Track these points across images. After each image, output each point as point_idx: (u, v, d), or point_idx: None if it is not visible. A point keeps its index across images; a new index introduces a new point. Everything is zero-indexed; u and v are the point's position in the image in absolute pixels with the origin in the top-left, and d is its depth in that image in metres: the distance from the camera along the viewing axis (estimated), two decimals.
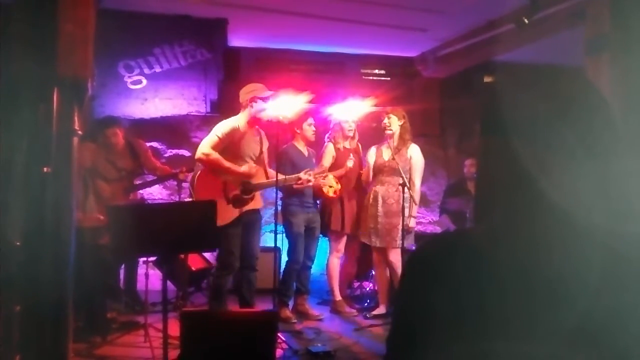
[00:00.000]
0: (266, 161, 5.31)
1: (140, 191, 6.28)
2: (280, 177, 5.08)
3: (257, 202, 5.12)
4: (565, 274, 0.89)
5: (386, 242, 5.73)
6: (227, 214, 4.92)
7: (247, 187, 5.01)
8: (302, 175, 5.29)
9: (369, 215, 5.81)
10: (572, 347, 0.86)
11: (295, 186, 5.51)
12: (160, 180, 6.08)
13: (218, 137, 4.98)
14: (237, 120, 5.09)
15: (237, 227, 5.00)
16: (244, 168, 5.00)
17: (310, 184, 5.42)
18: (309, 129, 5.86)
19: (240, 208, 5.00)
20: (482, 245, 0.95)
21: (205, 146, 4.97)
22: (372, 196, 5.82)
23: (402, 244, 5.48)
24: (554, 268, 0.89)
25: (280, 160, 5.53)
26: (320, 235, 6.05)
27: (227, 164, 4.96)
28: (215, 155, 4.94)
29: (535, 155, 0.90)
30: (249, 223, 5.11)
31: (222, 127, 5.02)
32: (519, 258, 0.91)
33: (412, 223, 5.73)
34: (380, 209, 5.73)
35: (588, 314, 0.86)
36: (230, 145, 5.00)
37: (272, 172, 5.29)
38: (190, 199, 5.57)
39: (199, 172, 5.12)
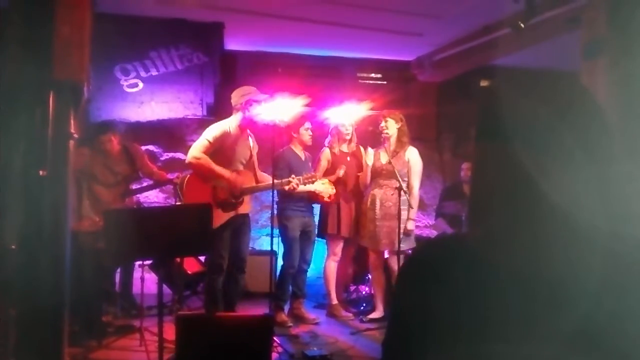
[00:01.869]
0: (256, 165, 5.28)
1: (136, 195, 6.27)
2: (275, 180, 5.07)
3: (246, 207, 5.09)
4: (566, 278, 0.89)
5: (384, 246, 5.73)
6: (216, 218, 4.89)
7: (236, 192, 4.99)
8: (291, 179, 5.25)
9: (368, 219, 5.80)
10: (572, 351, 0.86)
11: (288, 189, 5.51)
12: (156, 185, 6.08)
13: (208, 140, 4.94)
14: (228, 124, 5.06)
15: (226, 231, 4.96)
16: (230, 175, 4.96)
17: (299, 188, 5.36)
18: (305, 133, 5.86)
19: (230, 212, 4.98)
20: (481, 249, 0.95)
21: (196, 150, 4.94)
22: (369, 200, 5.81)
23: (399, 247, 5.47)
24: (554, 271, 0.89)
25: (277, 163, 5.51)
26: (318, 239, 6.05)
27: (216, 168, 4.91)
28: (205, 159, 4.92)
29: (534, 159, 0.90)
30: (237, 226, 5.07)
31: (213, 131, 4.99)
32: (519, 261, 0.91)
33: (410, 226, 5.72)
34: (378, 212, 5.72)
35: (589, 317, 0.86)
36: (220, 149, 4.97)
37: (263, 175, 5.28)
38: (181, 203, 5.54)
39: (188, 176, 5.09)
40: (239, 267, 5.11)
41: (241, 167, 5.07)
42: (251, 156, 5.17)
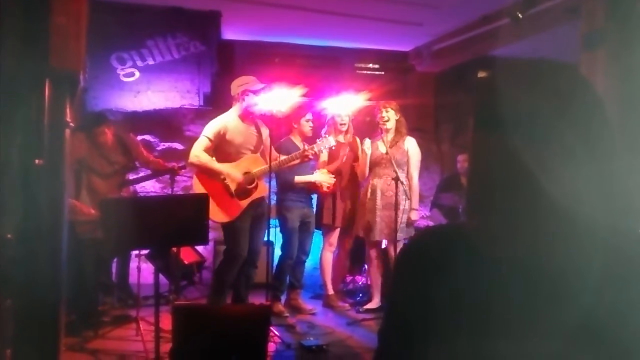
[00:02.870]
0: (270, 148, 5.25)
1: (134, 185, 6.25)
2: (282, 156, 5.09)
3: (262, 190, 5.09)
4: (567, 272, 0.88)
5: (385, 235, 5.70)
6: (233, 209, 4.91)
7: (249, 177, 4.99)
8: (307, 149, 5.26)
9: (367, 209, 5.77)
10: (575, 345, 0.85)
11: (297, 180, 5.53)
12: (154, 175, 6.07)
13: (208, 138, 4.96)
14: (227, 117, 5.06)
15: (245, 221, 4.99)
16: (229, 171, 4.95)
17: (316, 149, 5.32)
18: (306, 125, 5.84)
19: (247, 199, 4.98)
20: (481, 240, 0.94)
21: (197, 149, 4.96)
22: (370, 190, 5.79)
23: (396, 237, 5.48)
24: (555, 265, 0.89)
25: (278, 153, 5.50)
26: (315, 230, 6.05)
27: (215, 166, 4.93)
28: (205, 158, 4.93)
29: (533, 151, 0.89)
30: (256, 216, 5.09)
31: (211, 128, 5.00)
32: (519, 255, 0.90)
33: (414, 216, 5.72)
34: (379, 202, 5.70)
35: (590, 311, 0.86)
36: (223, 143, 4.98)
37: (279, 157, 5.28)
38: (183, 193, 5.53)
39: (195, 176, 5.09)
40: (251, 261, 5.12)
41: (249, 154, 5.07)
42: (260, 142, 5.15)
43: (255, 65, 7.56)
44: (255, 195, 5.03)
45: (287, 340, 4.82)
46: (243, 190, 4.97)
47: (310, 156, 5.29)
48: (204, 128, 5.09)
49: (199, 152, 4.94)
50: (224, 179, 4.94)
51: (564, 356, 0.86)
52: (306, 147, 5.32)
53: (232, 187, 4.94)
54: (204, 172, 4.99)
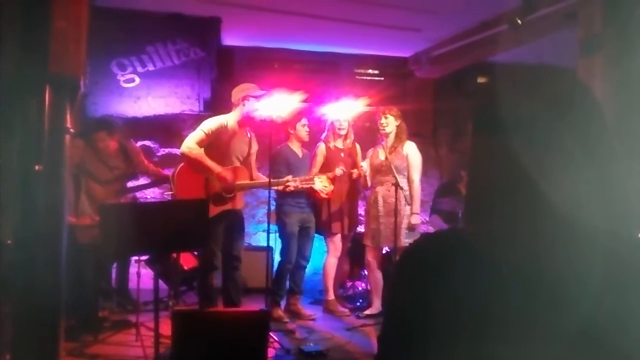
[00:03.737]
0: (254, 164, 5.28)
1: (134, 192, 6.25)
2: (271, 180, 5.08)
3: (237, 203, 5.08)
4: (567, 277, 0.88)
5: (389, 242, 5.68)
6: None
7: (229, 186, 4.98)
8: (289, 179, 5.25)
9: (372, 216, 5.77)
10: (575, 350, 0.85)
11: (282, 189, 5.53)
12: (155, 184, 6.08)
13: (204, 132, 4.95)
14: (226, 118, 5.06)
15: (217, 225, 4.95)
16: (221, 171, 4.94)
17: (296, 185, 5.34)
18: (302, 130, 5.84)
19: (221, 206, 4.96)
20: (480, 246, 0.94)
21: (190, 141, 4.94)
22: (372, 197, 5.80)
23: (395, 243, 5.47)
24: (555, 271, 0.89)
25: (275, 160, 5.50)
26: (317, 235, 6.03)
27: (207, 161, 4.92)
28: (198, 150, 4.92)
29: (532, 157, 0.90)
30: (230, 223, 5.07)
31: (209, 124, 5.00)
32: (519, 260, 0.90)
33: (414, 220, 5.70)
34: (381, 209, 5.70)
35: (590, 316, 0.86)
36: (216, 143, 4.97)
37: (259, 176, 5.29)
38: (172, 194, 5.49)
39: (180, 166, 5.08)
40: (231, 265, 5.11)
41: (237, 163, 5.07)
42: (249, 154, 5.16)
43: (255, 70, 7.58)
44: (228, 207, 5.00)
45: (286, 345, 4.81)
46: (220, 197, 4.94)
47: (291, 188, 5.26)
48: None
49: (191, 144, 4.92)
50: (216, 174, 4.90)
51: None
52: (290, 178, 5.24)
53: (217, 187, 4.92)
54: (191, 166, 4.95)
